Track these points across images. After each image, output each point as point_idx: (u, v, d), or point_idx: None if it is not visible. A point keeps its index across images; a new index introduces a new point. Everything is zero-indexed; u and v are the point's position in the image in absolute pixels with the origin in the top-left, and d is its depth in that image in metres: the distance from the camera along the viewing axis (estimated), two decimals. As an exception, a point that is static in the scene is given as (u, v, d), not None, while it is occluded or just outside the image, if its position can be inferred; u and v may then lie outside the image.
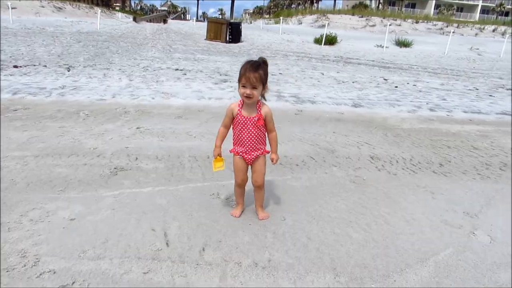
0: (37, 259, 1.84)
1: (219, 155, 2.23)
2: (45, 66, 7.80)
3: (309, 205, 2.58)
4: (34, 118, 4.23)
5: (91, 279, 1.72)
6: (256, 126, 2.14)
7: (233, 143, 2.25)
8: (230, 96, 6.12)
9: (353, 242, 2.17)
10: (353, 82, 8.59)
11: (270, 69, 9.60)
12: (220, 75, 8.36)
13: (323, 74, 9.64)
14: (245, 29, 21.97)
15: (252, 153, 2.21)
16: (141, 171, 2.99)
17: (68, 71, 7.41)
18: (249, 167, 2.30)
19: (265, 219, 2.35)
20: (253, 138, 2.17)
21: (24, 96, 5.21)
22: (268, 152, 2.26)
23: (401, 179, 3.19)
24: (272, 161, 2.22)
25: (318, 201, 2.65)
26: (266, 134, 2.23)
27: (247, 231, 2.20)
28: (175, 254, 1.94)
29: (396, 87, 8.44)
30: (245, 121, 2.13)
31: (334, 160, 3.52)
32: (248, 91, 2.03)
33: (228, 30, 18.55)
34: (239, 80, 2.06)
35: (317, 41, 21.19)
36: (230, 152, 2.27)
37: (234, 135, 2.22)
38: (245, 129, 2.15)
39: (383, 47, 21.13)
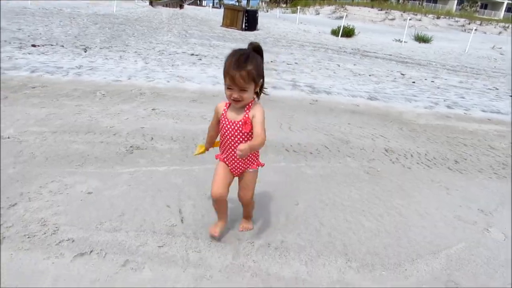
0: (56, 228, 1.90)
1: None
2: (62, 46, 7.88)
3: (322, 193, 2.58)
4: (51, 96, 4.30)
5: (108, 249, 1.77)
6: (242, 133, 1.69)
7: (220, 147, 1.88)
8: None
9: (366, 230, 2.18)
10: (369, 75, 8.47)
11: (286, 58, 9.57)
12: (235, 62, 8.32)
13: (339, 65, 9.52)
14: (262, 18, 21.71)
15: (239, 166, 1.80)
16: (156, 151, 3.03)
17: (85, 51, 7.48)
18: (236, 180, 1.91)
19: (245, 230, 2.02)
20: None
21: (42, 74, 5.28)
22: (261, 165, 1.85)
23: (415, 173, 3.16)
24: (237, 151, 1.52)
25: (332, 189, 2.65)
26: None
27: (261, 213, 2.22)
28: (190, 230, 1.98)
29: (414, 82, 8.29)
30: (229, 126, 1.72)
31: (348, 151, 3.50)
32: (235, 94, 1.60)
33: (244, 18, 18.38)
34: (224, 78, 1.61)
35: (334, 32, 20.85)
36: (216, 158, 1.88)
37: (219, 139, 1.85)
38: (229, 136, 1.73)
39: (401, 41, 20.68)
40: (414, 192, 2.78)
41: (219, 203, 1.84)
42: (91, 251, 1.74)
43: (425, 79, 8.98)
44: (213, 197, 1.79)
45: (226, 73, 1.58)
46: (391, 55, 14.36)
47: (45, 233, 1.85)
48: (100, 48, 8.09)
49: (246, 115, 1.67)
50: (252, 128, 1.67)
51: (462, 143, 4.22)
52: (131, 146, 3.05)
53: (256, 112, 1.66)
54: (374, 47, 17.04)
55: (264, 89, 1.75)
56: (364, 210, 2.41)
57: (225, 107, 1.75)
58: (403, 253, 2.00)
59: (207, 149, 2.01)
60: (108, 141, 3.14)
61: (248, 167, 1.81)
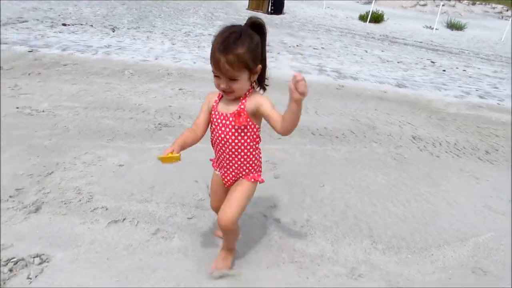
0: (90, 196, 1.99)
1: (173, 152, 1.36)
2: (92, 25, 8.03)
3: (348, 176, 2.57)
4: (82, 74, 4.43)
5: (139, 218, 1.85)
6: (234, 128, 1.35)
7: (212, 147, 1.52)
8: (270, 66, 6.07)
9: (392, 215, 2.16)
10: (398, 62, 8.21)
11: (312, 42, 9.40)
12: (260, 45, 8.24)
13: (366, 51, 9.26)
14: (287, 1, 21.28)
15: (230, 173, 1.46)
16: (184, 128, 3.07)
17: (113, 31, 7.60)
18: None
19: (219, 269, 1.56)
20: (230, 148, 1.39)
21: (72, 52, 5.42)
22: (261, 181, 1.49)
23: (444, 162, 3.08)
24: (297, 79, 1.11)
25: (358, 174, 2.63)
26: (254, 144, 1.41)
27: (286, 193, 2.24)
28: (217, 205, 2.02)
29: (444, 70, 7.98)
30: (220, 121, 1.37)
31: (374, 137, 3.44)
32: (223, 84, 1.27)
33: (270, 1, 18.08)
34: (210, 62, 1.27)
35: (362, 18, 20.18)
36: (210, 160, 1.61)
37: (210, 137, 1.48)
38: (220, 133, 1.38)
39: (432, 28, 19.83)
40: (443, 181, 2.72)
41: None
42: (124, 219, 1.82)
43: (457, 68, 8.62)
44: (212, 206, 1.65)
45: (211, 56, 1.24)
46: (421, 42, 13.82)
47: (80, 200, 1.94)
48: (128, 29, 8.20)
49: (242, 106, 1.32)
50: (248, 123, 1.33)
51: (494, 134, 4.07)
52: (159, 123, 3.12)
53: (259, 100, 1.31)
54: (404, 33, 16.43)
55: (266, 79, 1.38)
56: (391, 195, 2.38)
57: (216, 98, 1.41)
58: (430, 239, 1.98)
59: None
60: (137, 118, 3.22)
61: (241, 177, 1.46)
